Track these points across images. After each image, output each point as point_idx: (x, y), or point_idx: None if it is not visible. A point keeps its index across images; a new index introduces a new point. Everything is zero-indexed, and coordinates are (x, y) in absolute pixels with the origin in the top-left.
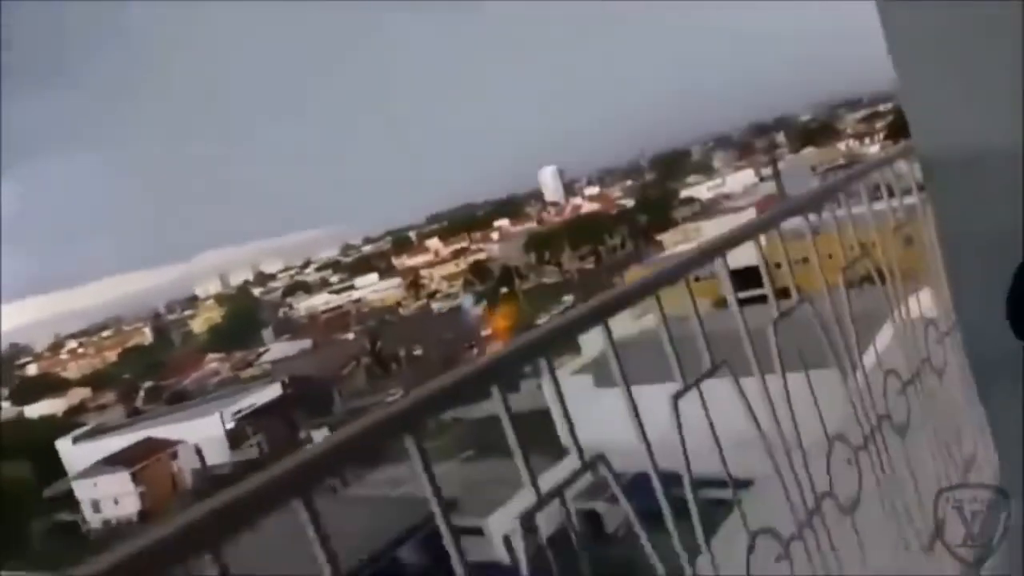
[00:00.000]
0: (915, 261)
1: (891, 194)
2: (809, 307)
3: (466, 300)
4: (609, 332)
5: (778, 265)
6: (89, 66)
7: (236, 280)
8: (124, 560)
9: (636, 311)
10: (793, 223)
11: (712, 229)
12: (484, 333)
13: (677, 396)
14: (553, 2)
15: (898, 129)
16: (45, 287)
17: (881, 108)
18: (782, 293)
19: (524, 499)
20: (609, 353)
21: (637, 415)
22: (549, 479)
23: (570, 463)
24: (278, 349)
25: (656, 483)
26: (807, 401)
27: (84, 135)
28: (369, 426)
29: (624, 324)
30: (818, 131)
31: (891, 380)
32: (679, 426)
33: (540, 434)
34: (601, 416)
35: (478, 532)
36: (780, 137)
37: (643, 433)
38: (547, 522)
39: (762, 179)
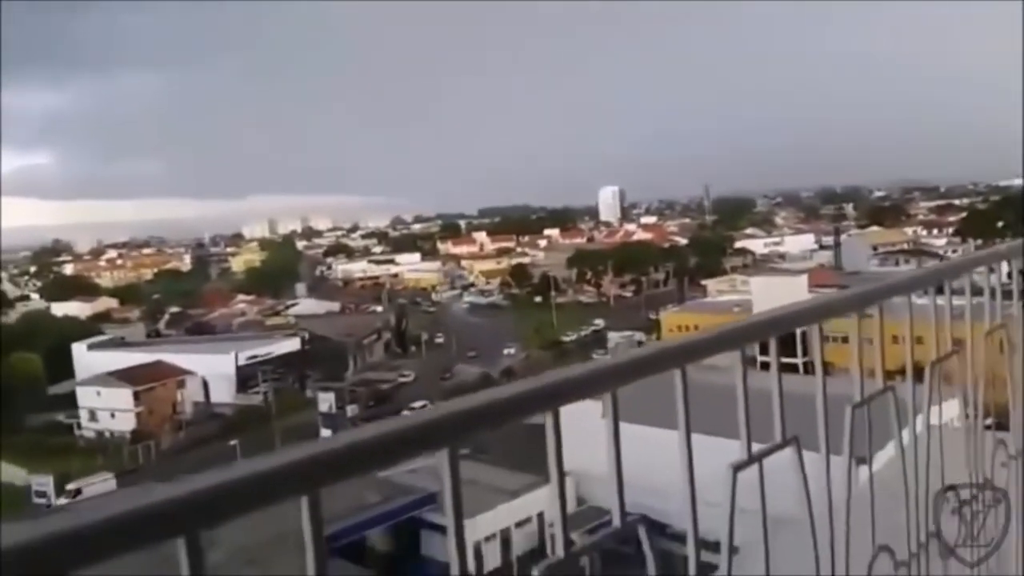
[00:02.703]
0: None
1: (979, 293)
2: (892, 396)
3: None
4: (615, 400)
5: (827, 339)
6: None
7: (284, 228)
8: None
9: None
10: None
11: (760, 286)
12: (506, 351)
13: (737, 468)
14: (645, 32)
15: (970, 227)
16: (99, 192)
17: (957, 202)
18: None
19: (502, 513)
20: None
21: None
22: None
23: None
24: (307, 305)
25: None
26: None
27: (166, 54)
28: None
29: None
30: (888, 210)
31: (949, 496)
32: (733, 499)
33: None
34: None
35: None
36: (849, 209)
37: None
38: (525, 540)
39: (821, 246)
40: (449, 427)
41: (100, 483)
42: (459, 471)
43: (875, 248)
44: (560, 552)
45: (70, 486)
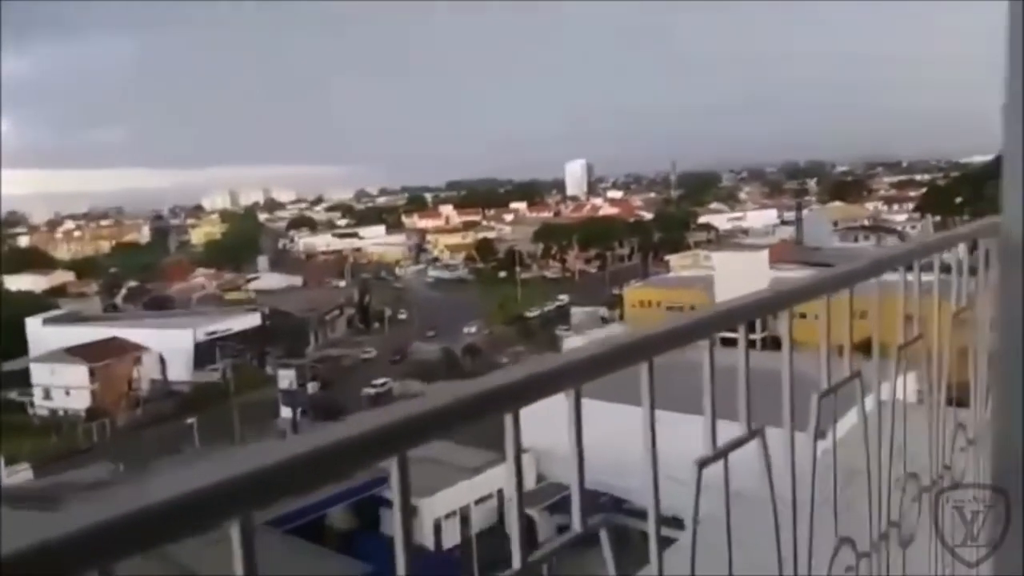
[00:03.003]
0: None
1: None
2: (858, 384)
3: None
4: (578, 397)
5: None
6: None
7: (246, 200)
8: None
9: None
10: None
11: (722, 261)
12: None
13: (702, 464)
14: (615, 5)
15: (929, 203)
16: (57, 162)
17: (918, 177)
18: (772, 342)
19: (463, 490)
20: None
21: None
22: None
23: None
24: (268, 279)
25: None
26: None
27: (128, 19)
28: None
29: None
30: (850, 186)
31: (909, 484)
32: (697, 494)
33: None
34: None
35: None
36: (812, 184)
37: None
38: (484, 517)
39: (783, 222)
40: (397, 435)
41: (20, 473)
42: (409, 479)
43: (836, 223)
44: (517, 563)
45: None
